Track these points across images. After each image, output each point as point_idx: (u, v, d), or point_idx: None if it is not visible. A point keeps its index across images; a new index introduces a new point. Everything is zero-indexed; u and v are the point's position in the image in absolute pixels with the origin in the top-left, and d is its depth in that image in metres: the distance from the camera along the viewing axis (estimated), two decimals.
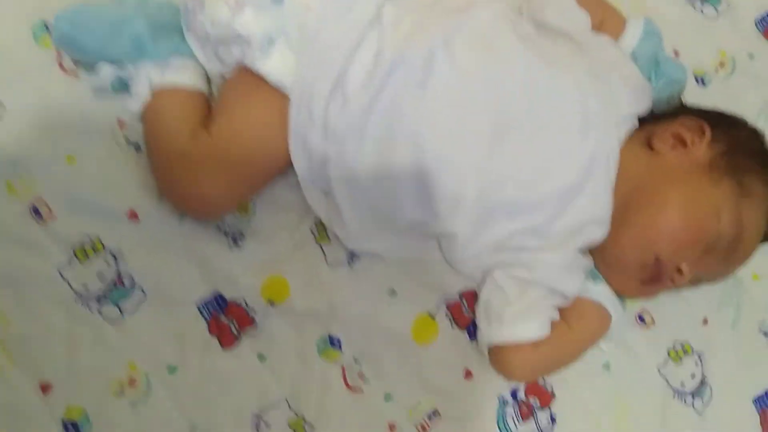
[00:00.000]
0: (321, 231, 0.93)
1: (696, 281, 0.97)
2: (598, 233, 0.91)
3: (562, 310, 0.94)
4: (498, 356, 0.91)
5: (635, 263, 0.91)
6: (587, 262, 0.93)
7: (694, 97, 1.04)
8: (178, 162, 0.81)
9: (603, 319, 0.95)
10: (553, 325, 0.92)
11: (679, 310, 1.06)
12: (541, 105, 0.86)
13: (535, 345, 0.90)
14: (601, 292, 0.95)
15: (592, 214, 0.90)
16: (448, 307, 0.97)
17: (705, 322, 1.07)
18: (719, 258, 0.92)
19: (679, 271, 0.91)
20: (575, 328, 0.93)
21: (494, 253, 0.91)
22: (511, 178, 0.86)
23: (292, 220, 0.92)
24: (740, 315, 1.09)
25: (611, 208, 0.91)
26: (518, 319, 0.89)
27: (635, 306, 1.05)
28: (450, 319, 0.97)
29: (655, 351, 1.04)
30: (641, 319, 1.05)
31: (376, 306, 0.93)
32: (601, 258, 0.95)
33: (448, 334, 0.96)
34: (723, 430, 1.04)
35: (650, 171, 0.91)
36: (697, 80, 1.17)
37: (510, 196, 0.87)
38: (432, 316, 0.96)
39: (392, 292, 0.94)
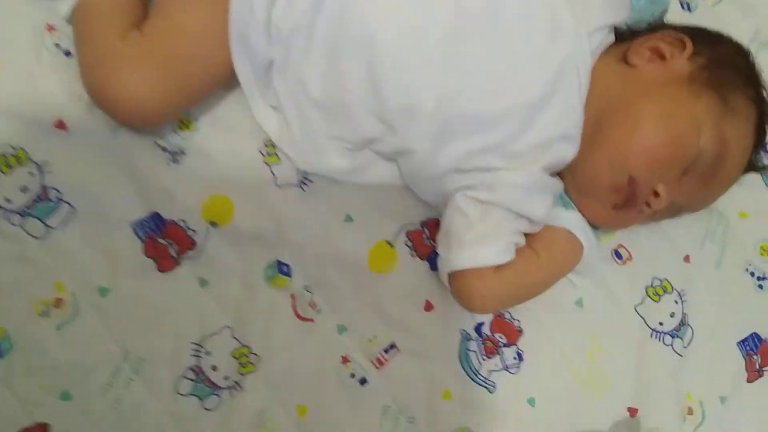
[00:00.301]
0: (271, 150, 0.86)
1: (675, 210, 0.91)
2: (567, 152, 0.84)
3: (529, 238, 0.88)
4: (458, 283, 0.85)
5: (607, 185, 0.85)
6: (556, 184, 0.86)
7: (679, 22, 0.97)
8: (107, 61, 0.74)
9: (573, 249, 0.89)
10: (519, 251, 0.85)
11: (658, 246, 1.00)
12: (505, 7, 0.79)
13: (498, 271, 0.83)
14: (572, 220, 0.89)
15: (560, 130, 0.83)
16: (408, 236, 0.90)
17: (687, 259, 1.00)
18: (700, 180, 0.85)
19: (656, 194, 0.84)
20: (543, 256, 0.87)
21: (456, 175, 0.85)
22: (472, 87, 0.79)
23: (239, 139, 0.85)
24: (725, 253, 1.02)
25: (582, 124, 0.84)
26: (480, 243, 0.83)
27: (612, 241, 0.99)
28: (410, 248, 0.90)
29: (632, 288, 0.98)
30: (618, 255, 0.99)
31: (330, 231, 0.87)
32: (573, 181, 0.88)
33: (408, 263, 0.90)
34: (705, 373, 0.98)
35: (625, 85, 0.84)
36: (682, 5, 1.10)
37: (470, 109, 0.80)
38: (390, 244, 0.89)
39: (348, 218, 0.88)
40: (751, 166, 0.94)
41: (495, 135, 0.82)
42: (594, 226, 0.92)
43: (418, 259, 0.90)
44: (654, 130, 0.82)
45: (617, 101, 0.84)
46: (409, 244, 0.90)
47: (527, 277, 0.86)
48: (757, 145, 0.90)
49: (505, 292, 0.85)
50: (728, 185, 0.90)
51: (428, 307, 0.90)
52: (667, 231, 1.00)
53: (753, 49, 1.09)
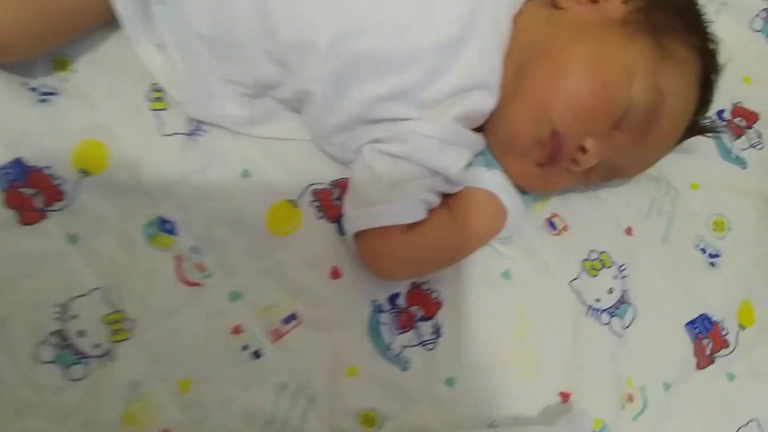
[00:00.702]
0: (158, 95, 0.78)
1: (609, 172, 0.82)
2: (485, 102, 0.76)
3: (446, 199, 0.79)
4: (364, 245, 0.76)
5: (529, 139, 0.76)
6: (475, 139, 0.78)
7: None
8: None
9: (495, 212, 0.80)
10: (433, 213, 0.77)
11: (597, 216, 0.91)
12: None
13: (408, 232, 0.75)
14: (494, 180, 0.80)
15: (476, 77, 0.75)
16: (315, 195, 0.81)
17: (628, 231, 0.92)
18: (633, 136, 0.76)
19: (583, 149, 0.75)
20: (459, 219, 0.78)
21: (365, 127, 0.76)
22: (375, 23, 0.71)
23: (121, 81, 0.77)
24: (672, 227, 0.94)
25: (501, 72, 0.75)
26: (387, 199, 0.74)
27: (545, 210, 0.90)
28: (317, 209, 0.81)
29: (567, 261, 0.89)
30: (552, 225, 0.90)
31: (223, 188, 0.78)
32: (494, 137, 0.80)
33: (313, 225, 0.81)
34: (647, 357, 0.89)
35: (550, 29, 0.76)
36: None
37: (373, 48, 0.71)
38: (294, 204, 0.81)
39: (245, 173, 0.79)
40: (697, 128, 0.85)
41: (403, 80, 0.73)
42: (522, 190, 0.83)
43: (325, 221, 0.81)
44: (578, 77, 0.73)
45: (540, 47, 0.75)
46: (316, 204, 0.81)
47: (440, 240, 0.77)
48: (704, 102, 0.82)
49: (415, 256, 0.77)
50: (667, 145, 0.81)
51: (335, 274, 0.81)
52: (606, 200, 0.91)
53: (711, 10, 1.02)
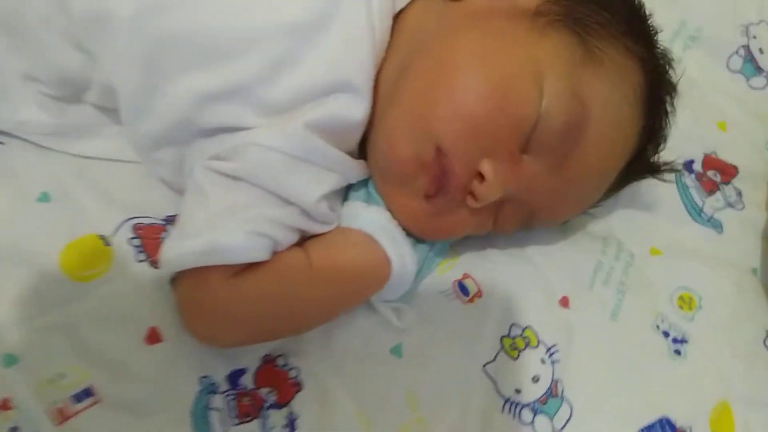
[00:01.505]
0: None
1: (529, 216, 0.62)
2: (351, 109, 0.58)
3: (311, 241, 0.60)
4: (180, 293, 0.57)
5: (409, 158, 0.57)
6: (341, 160, 0.59)
7: None
8: None
9: (373, 261, 0.61)
10: (284, 256, 0.57)
11: (523, 280, 0.70)
12: None
13: (240, 278, 0.55)
14: (374, 220, 0.61)
15: (339, 75, 0.57)
16: (136, 231, 0.62)
17: (564, 303, 0.71)
18: (548, 161, 0.57)
19: (480, 175, 0.56)
20: (317, 265, 0.58)
21: (199, 140, 0.58)
22: None
23: None
24: (624, 301, 0.72)
25: (373, 71, 0.58)
26: (210, 230, 0.55)
27: (455, 269, 0.70)
28: (136, 249, 0.62)
29: (480, 337, 0.67)
30: (462, 288, 0.69)
31: (9, 212, 0.59)
32: (374, 160, 0.61)
33: (129, 270, 0.61)
34: None
35: (442, 22, 0.59)
36: None
37: (189, 26, 0.55)
38: (105, 241, 0.61)
39: (44, 197, 0.61)
40: (647, 166, 0.66)
41: (237, 72, 0.56)
42: (418, 237, 0.64)
43: (147, 265, 0.62)
44: (466, 76, 0.55)
45: (426, 42, 0.58)
46: (137, 243, 0.62)
47: (288, 293, 0.58)
48: (651, 129, 0.63)
49: (246, 311, 0.56)
50: (598, 178, 0.62)
51: (153, 337, 0.60)
52: (536, 261, 0.71)
53: (678, 45, 0.85)
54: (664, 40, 0.68)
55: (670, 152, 0.70)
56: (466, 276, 0.69)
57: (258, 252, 0.55)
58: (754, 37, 0.88)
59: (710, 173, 0.81)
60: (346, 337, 0.64)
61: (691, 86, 0.83)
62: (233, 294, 0.55)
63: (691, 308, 0.74)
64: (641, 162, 0.65)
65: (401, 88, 0.58)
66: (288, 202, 0.57)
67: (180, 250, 0.55)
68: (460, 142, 0.55)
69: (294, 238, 0.59)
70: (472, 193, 0.57)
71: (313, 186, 0.57)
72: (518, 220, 0.63)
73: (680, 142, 0.73)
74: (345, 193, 0.65)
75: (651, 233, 0.76)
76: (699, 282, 0.75)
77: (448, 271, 0.69)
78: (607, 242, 0.74)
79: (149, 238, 0.62)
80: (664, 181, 0.70)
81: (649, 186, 0.76)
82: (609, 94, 0.58)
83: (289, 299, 0.57)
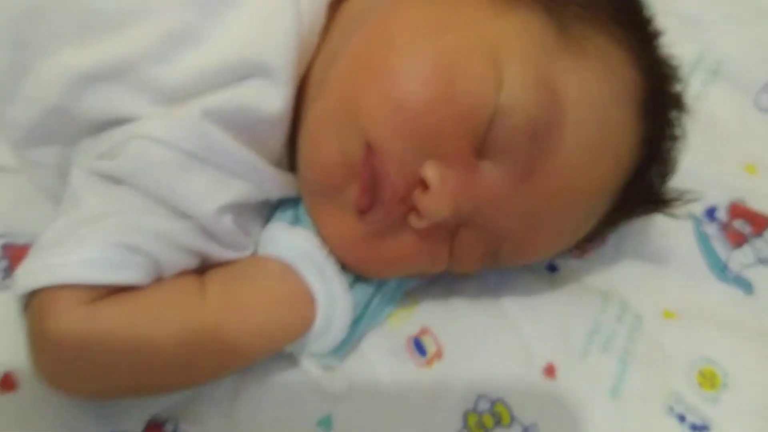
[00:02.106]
0: None
1: (494, 246, 0.49)
2: (265, 97, 0.46)
3: (214, 270, 0.47)
4: (27, 321, 0.44)
5: (334, 157, 0.45)
6: (251, 163, 0.47)
7: None
8: None
9: (291, 298, 0.48)
10: (170, 282, 0.44)
11: (495, 339, 0.56)
12: None
13: (102, 302, 0.42)
14: (297, 247, 0.48)
15: (252, 55, 0.46)
16: (5, 250, 0.50)
17: (549, 371, 0.55)
18: (511, 169, 0.44)
19: (424, 184, 0.43)
20: (213, 299, 0.45)
21: (87, 139, 0.47)
22: None
23: None
24: (628, 374, 0.57)
25: (295, 50, 0.46)
26: (67, 241, 0.43)
27: (411, 321, 0.56)
28: (3, 271, 0.50)
29: (438, 410, 0.52)
30: (418, 346, 0.55)
31: None
32: (299, 168, 0.49)
33: None
34: None
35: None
36: None
37: None
38: None
39: None
40: (648, 194, 0.52)
41: (125, 46, 0.46)
42: (358, 273, 0.51)
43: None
44: (405, 57, 0.44)
45: (364, 22, 0.46)
46: (4, 265, 0.50)
47: (162, 330, 0.44)
48: (652, 142, 0.50)
49: (104, 351, 0.43)
50: (581, 198, 0.48)
51: (7, 383, 0.47)
52: (511, 314, 0.57)
53: (697, 79, 0.73)
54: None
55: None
56: (424, 331, 0.55)
57: (127, 272, 0.42)
58: None
59: (737, 223, 0.66)
60: (259, 401, 0.50)
61: (712, 125, 0.70)
62: (86, 325, 0.42)
63: (714, 387, 0.57)
64: (643, 188, 0.51)
65: (329, 77, 0.46)
66: (180, 213, 0.45)
67: (25, 266, 0.42)
68: (394, 137, 0.43)
69: (188, 262, 0.46)
70: (415, 206, 0.44)
71: (211, 193, 0.45)
72: (480, 253, 0.49)
73: (699, 187, 0.60)
74: (269, 216, 0.52)
75: (663, 291, 0.61)
76: (724, 354, 0.58)
77: (400, 323, 0.55)
78: (607, 298, 0.59)
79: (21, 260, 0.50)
80: (676, 217, 0.56)
81: (659, 233, 0.63)
82: (592, 89, 0.45)
83: (166, 341, 0.43)
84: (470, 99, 0.43)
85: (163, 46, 0.45)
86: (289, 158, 0.51)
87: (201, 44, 0.45)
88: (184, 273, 0.46)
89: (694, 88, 0.71)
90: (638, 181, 0.50)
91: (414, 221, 0.45)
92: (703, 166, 0.65)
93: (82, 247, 0.42)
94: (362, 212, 0.45)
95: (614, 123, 0.46)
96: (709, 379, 0.58)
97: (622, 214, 0.53)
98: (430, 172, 0.43)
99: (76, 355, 0.42)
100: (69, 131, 0.47)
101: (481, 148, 0.44)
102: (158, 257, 0.44)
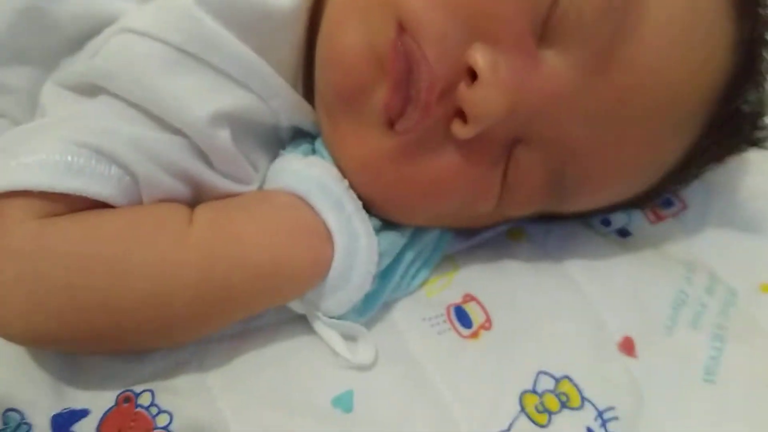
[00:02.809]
0: None
1: (554, 175, 0.39)
2: None
3: (208, 202, 0.39)
4: None
5: (357, 48, 0.37)
6: (253, 64, 0.39)
7: None
8: None
9: (301, 235, 0.39)
10: (155, 206, 0.36)
11: (558, 307, 0.45)
12: None
13: (61, 218, 0.34)
14: (311, 177, 0.39)
15: None
16: None
17: (627, 346, 0.44)
18: (581, 59, 0.35)
19: (471, 72, 0.35)
20: (201, 228, 0.37)
21: (55, 57, 0.41)
22: None
23: None
24: (725, 353, 0.45)
25: None
26: (26, 141, 0.36)
27: (452, 288, 0.45)
28: None
29: (490, 390, 0.41)
30: (461, 316, 0.44)
31: None
32: (316, 80, 0.41)
33: None
34: None
35: None
36: None
37: None
38: None
39: None
40: (747, 121, 0.42)
41: None
42: (388, 221, 0.42)
43: None
44: None
45: None
46: None
47: (131, 254, 0.35)
48: (753, 46, 0.41)
49: (56, 268, 0.34)
50: (667, 103, 0.38)
51: None
52: (579, 279, 0.46)
53: None
54: None
55: None
56: (468, 298, 0.45)
57: (92, 181, 0.34)
58: None
59: None
60: (258, 368, 0.40)
61: None
62: (35, 242, 0.33)
63: None
64: (736, 113, 0.41)
65: None
66: (168, 126, 0.37)
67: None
68: (434, 11, 0.34)
69: (174, 188, 0.38)
70: (460, 99, 0.35)
71: (203, 95, 0.37)
72: (540, 181, 0.39)
73: None
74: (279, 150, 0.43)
75: (758, 263, 0.50)
76: None
77: (440, 291, 0.45)
78: (692, 268, 0.48)
79: None
80: None
81: (750, 195, 0.52)
82: None
83: (136, 274, 0.34)
84: None
85: None
86: (306, 86, 0.43)
87: None
88: (170, 201, 0.38)
89: None
90: (733, 97, 0.40)
91: (458, 128, 0.35)
92: None
93: (38, 148, 0.34)
94: (392, 121, 0.36)
95: (704, 10, 0.37)
96: None
97: (713, 144, 0.43)
98: (480, 56, 0.34)
99: (19, 279, 0.33)
100: (44, 45, 0.40)
101: (544, 31, 0.35)
102: (136, 171, 0.35)
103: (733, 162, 0.50)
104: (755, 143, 0.45)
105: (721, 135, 0.42)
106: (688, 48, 0.37)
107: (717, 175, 0.51)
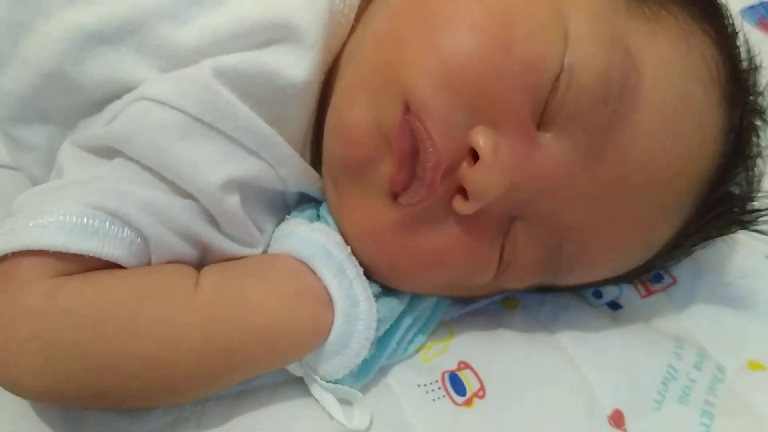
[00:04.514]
0: None
1: (550, 251, 0.41)
2: (289, 62, 0.40)
3: (214, 265, 0.40)
4: None
5: (365, 125, 0.39)
6: (268, 136, 0.41)
7: None
8: None
9: (303, 300, 0.40)
10: (157, 266, 0.37)
11: (550, 377, 0.46)
12: None
13: (71, 278, 0.36)
14: (315, 242, 0.41)
15: (275, 14, 0.41)
16: None
17: (617, 420, 0.45)
18: (578, 143, 0.37)
19: (472, 153, 0.36)
20: (207, 294, 0.38)
21: (76, 117, 0.42)
22: None
23: None
24: (714, 430, 0.46)
25: (327, 12, 0.41)
26: (43, 202, 0.37)
27: (448, 354, 0.46)
28: None
29: None
30: (456, 383, 0.45)
31: None
32: (324, 151, 0.42)
33: None
34: None
35: None
36: None
37: None
38: None
39: None
40: (736, 202, 0.44)
41: (134, 4, 0.40)
42: (387, 284, 0.43)
43: None
44: (455, 4, 0.38)
45: None
46: None
47: (139, 316, 0.36)
48: (742, 132, 0.43)
49: (66, 327, 0.35)
50: (661, 185, 0.40)
51: None
52: (571, 350, 0.47)
53: None
54: None
55: None
56: (462, 365, 0.46)
57: (105, 243, 0.35)
58: None
59: None
60: (255, 429, 0.41)
61: None
62: (47, 302, 0.34)
63: None
64: (726, 196, 0.43)
65: (365, 36, 0.40)
66: (180, 190, 0.38)
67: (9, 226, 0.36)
68: (440, 95, 0.36)
69: (183, 250, 0.39)
70: (463, 178, 0.37)
71: (217, 163, 0.38)
72: (537, 257, 0.40)
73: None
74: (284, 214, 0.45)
75: (746, 340, 0.51)
76: None
77: (435, 356, 0.46)
78: (681, 344, 0.50)
79: None
80: (764, 234, 0.47)
81: (739, 274, 0.54)
82: (669, 56, 0.39)
83: (143, 336, 0.35)
84: (531, 50, 0.36)
85: (178, 4, 0.40)
86: (314, 153, 0.45)
87: (221, 5, 0.40)
88: (177, 262, 0.39)
89: None
90: (723, 181, 0.42)
91: (459, 204, 0.37)
92: None
93: (54, 209, 0.35)
94: (396, 194, 0.38)
95: (696, 99, 0.39)
96: None
97: (706, 226, 0.44)
98: (482, 139, 0.36)
99: (32, 337, 0.34)
100: (65, 106, 0.41)
101: (543, 116, 0.37)
102: (147, 233, 0.37)
103: (723, 241, 0.52)
104: (744, 225, 0.47)
105: (711, 216, 0.44)
106: (680, 135, 0.39)
107: (707, 252, 0.53)
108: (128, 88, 0.40)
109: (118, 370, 0.35)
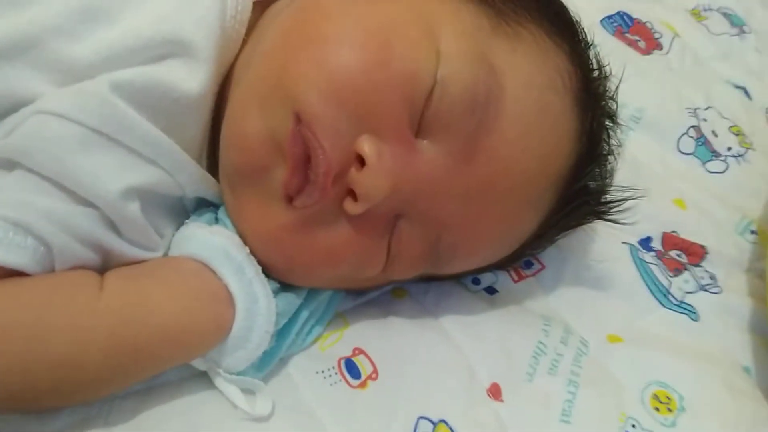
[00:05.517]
0: None
1: (432, 246, 0.45)
2: (182, 76, 0.43)
3: (118, 268, 0.42)
4: None
5: (260, 135, 0.42)
6: (163, 145, 0.43)
7: None
8: None
9: (205, 299, 0.43)
10: (61, 273, 0.39)
11: (436, 358, 0.51)
12: None
13: None
14: (214, 244, 0.43)
15: (168, 30, 0.43)
16: None
17: (495, 392, 0.51)
18: (451, 147, 0.42)
19: (360, 159, 0.40)
20: (111, 296, 0.40)
21: None
22: None
23: None
24: (579, 397, 0.52)
25: (219, 28, 0.44)
26: None
27: (343, 342, 0.50)
28: None
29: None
30: (351, 368, 0.49)
31: None
32: (220, 158, 0.45)
33: None
34: None
35: None
36: None
37: None
38: None
39: None
40: (590, 195, 0.51)
41: (29, 21, 0.42)
42: (285, 281, 0.46)
43: None
44: (338, 24, 0.42)
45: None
46: None
47: (45, 320, 0.38)
48: (593, 134, 0.50)
49: None
50: (524, 182, 0.45)
51: None
52: (453, 334, 0.52)
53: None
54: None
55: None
56: (357, 351, 0.50)
57: (9, 252, 0.37)
58: (705, 120, 0.77)
59: (673, 253, 0.65)
60: (163, 422, 0.43)
61: (638, 168, 0.70)
62: None
63: (670, 411, 0.53)
64: (583, 187, 0.50)
65: (256, 53, 0.44)
66: (80, 199, 0.40)
67: None
68: (327, 104, 0.40)
69: (86, 256, 0.41)
70: (354, 183, 0.41)
71: (116, 173, 0.40)
72: (420, 250, 0.45)
73: (631, 218, 0.58)
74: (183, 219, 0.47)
75: (606, 317, 0.58)
76: (677, 378, 0.55)
77: (332, 346, 0.50)
78: (550, 321, 0.56)
79: None
80: (617, 223, 0.54)
81: (598, 258, 0.61)
82: (529, 70, 0.44)
83: (49, 339, 0.37)
84: (407, 64, 0.41)
85: (73, 20, 0.41)
86: (210, 160, 0.47)
87: (116, 22, 0.42)
88: (81, 268, 0.41)
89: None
90: (579, 177, 0.48)
91: (349, 206, 0.41)
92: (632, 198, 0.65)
93: None
94: (291, 197, 0.41)
95: (552, 107, 0.45)
96: (664, 403, 0.54)
97: (564, 218, 0.51)
98: (367, 146, 0.40)
99: None
100: None
101: (420, 125, 0.42)
102: (50, 242, 0.38)
103: (584, 230, 0.59)
104: (599, 215, 0.53)
105: (570, 209, 0.50)
106: (538, 139, 0.45)
107: (570, 240, 0.59)
108: (25, 102, 0.41)
109: (27, 374, 0.37)
